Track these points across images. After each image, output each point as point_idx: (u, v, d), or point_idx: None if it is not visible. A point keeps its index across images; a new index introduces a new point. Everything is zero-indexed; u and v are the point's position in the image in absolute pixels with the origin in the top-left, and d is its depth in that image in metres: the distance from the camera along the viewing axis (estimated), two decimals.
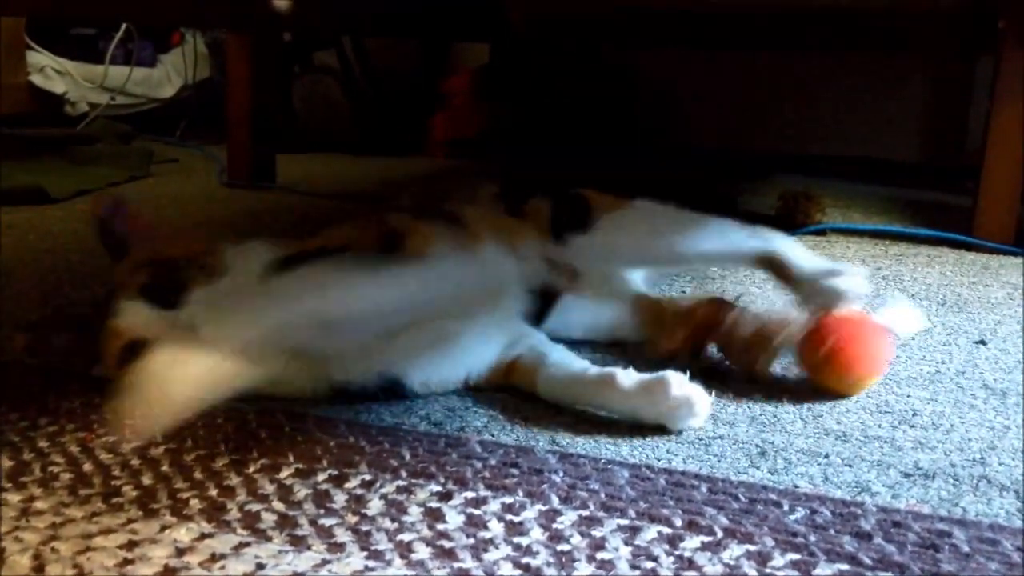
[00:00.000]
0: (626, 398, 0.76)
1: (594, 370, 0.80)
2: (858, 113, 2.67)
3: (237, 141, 2.05)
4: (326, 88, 2.74)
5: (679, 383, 0.75)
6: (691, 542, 0.57)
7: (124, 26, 2.72)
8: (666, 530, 0.59)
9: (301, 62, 2.77)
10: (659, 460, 0.70)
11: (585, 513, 0.61)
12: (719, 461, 0.71)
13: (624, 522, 0.60)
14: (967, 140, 2.49)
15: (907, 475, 0.69)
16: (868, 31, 2.30)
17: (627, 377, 0.77)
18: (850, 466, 0.70)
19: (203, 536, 0.58)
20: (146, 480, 0.66)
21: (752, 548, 0.57)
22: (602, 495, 0.63)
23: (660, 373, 0.76)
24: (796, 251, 0.91)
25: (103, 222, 0.82)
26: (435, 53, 2.98)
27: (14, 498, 0.63)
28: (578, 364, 0.82)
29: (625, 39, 2.57)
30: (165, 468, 0.67)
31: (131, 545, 0.57)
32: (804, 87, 2.71)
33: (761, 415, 0.80)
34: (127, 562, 0.55)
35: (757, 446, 0.73)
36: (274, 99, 2.12)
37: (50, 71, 2.61)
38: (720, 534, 0.58)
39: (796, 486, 0.66)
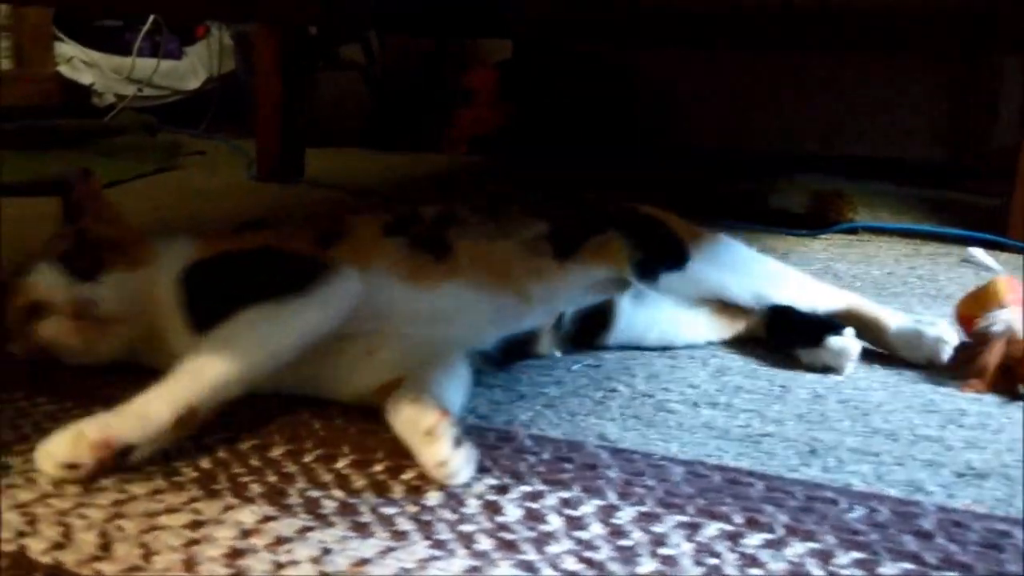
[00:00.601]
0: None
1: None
2: (877, 113, 2.64)
3: (266, 135, 2.05)
4: (349, 83, 2.74)
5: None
6: (753, 539, 0.57)
7: (151, 18, 2.73)
8: (727, 527, 0.59)
9: (325, 56, 2.78)
10: (710, 457, 0.70)
11: (643, 509, 0.61)
12: (770, 458, 0.71)
13: (684, 519, 0.60)
14: (992, 140, 2.47)
15: (960, 475, 0.69)
16: (882, 31, 2.27)
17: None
18: (902, 465, 0.70)
19: (267, 519, 0.59)
20: (204, 464, 0.67)
21: (815, 546, 0.57)
22: (659, 491, 0.63)
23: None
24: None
25: (68, 186, 0.85)
26: (446, 50, 2.96)
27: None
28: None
29: (625, 39, 2.55)
30: (221, 454, 0.68)
31: (195, 525, 0.58)
32: (804, 87, 2.69)
33: (808, 413, 0.80)
34: (193, 542, 0.56)
35: (807, 444, 0.73)
36: (302, 94, 2.12)
37: (78, 62, 2.63)
38: (781, 532, 0.58)
39: (850, 484, 0.66)
